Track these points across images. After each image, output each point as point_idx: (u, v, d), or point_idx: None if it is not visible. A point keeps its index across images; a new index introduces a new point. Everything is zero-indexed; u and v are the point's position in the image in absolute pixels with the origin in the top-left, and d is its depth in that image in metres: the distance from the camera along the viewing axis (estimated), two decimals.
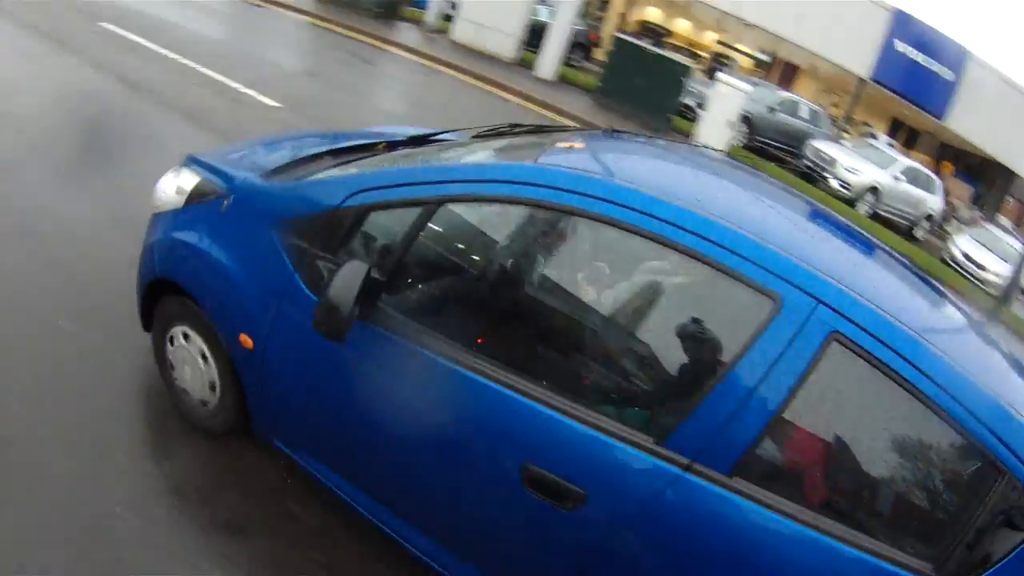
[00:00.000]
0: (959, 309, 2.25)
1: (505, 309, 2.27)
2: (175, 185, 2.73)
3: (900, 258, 2.44)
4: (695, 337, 1.94)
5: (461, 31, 15.03)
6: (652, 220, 1.83)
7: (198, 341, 2.61)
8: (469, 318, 2.27)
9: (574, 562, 1.91)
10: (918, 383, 1.64)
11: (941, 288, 2.38)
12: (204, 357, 2.62)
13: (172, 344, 2.74)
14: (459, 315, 2.29)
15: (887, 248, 2.48)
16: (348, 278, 1.90)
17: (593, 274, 2.20)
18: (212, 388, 2.64)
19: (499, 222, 2.45)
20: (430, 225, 2.10)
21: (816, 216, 2.44)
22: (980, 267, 14.56)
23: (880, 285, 2.01)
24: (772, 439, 1.77)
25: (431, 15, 15.94)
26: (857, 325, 1.68)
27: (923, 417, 1.65)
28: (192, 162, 2.74)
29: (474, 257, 2.49)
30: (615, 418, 1.82)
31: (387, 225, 2.23)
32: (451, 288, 2.35)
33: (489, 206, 2.28)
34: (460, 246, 2.42)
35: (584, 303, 2.20)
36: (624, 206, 1.86)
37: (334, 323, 1.90)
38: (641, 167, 2.36)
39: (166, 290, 2.70)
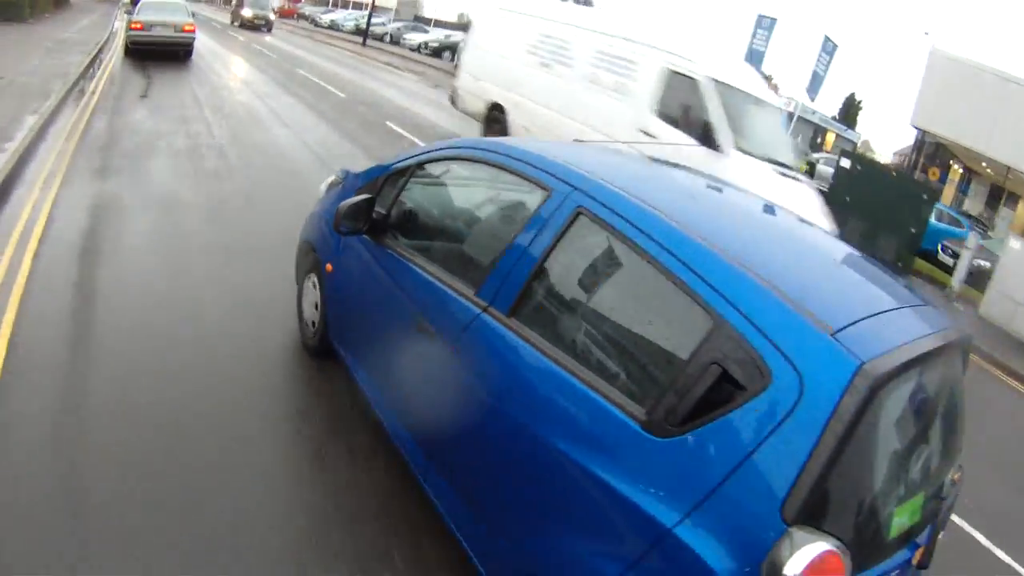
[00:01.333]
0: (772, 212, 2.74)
1: (438, 230, 3.21)
2: (326, 182, 4.22)
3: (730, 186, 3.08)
4: (499, 217, 2.91)
5: (994, 306, 9.94)
6: (496, 154, 2.81)
7: (314, 278, 3.85)
8: (425, 235, 3.16)
9: (435, 377, 2.62)
10: (641, 243, 2.03)
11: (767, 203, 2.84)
12: (315, 290, 3.82)
13: (304, 288, 4.03)
14: (422, 235, 3.17)
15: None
16: (354, 199, 3.12)
17: (472, 198, 3.33)
18: (315, 310, 3.82)
19: (457, 184, 3.42)
20: (413, 181, 3.22)
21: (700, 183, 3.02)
22: None
23: (658, 189, 2.60)
24: (535, 291, 2.32)
25: (957, 279, 11.02)
26: (598, 201, 2.23)
27: (650, 275, 2.00)
28: (340, 170, 4.09)
29: (437, 207, 3.41)
30: (458, 279, 2.61)
31: (404, 190, 3.25)
32: (423, 224, 3.23)
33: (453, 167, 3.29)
34: (434, 200, 3.39)
35: (463, 217, 3.25)
36: (487, 150, 2.88)
37: (337, 220, 3.04)
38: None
39: (309, 251, 4.00)
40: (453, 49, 30.85)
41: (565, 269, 2.36)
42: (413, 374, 2.79)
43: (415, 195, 3.28)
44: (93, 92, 10.83)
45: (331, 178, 4.22)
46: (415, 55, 32.27)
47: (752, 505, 1.60)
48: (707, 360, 1.76)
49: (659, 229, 2.05)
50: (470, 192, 3.39)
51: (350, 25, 44.12)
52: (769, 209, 2.75)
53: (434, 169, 3.31)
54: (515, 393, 2.21)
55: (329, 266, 3.61)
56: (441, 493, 2.54)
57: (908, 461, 1.87)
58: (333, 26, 45.07)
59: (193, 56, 17.15)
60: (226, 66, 17.77)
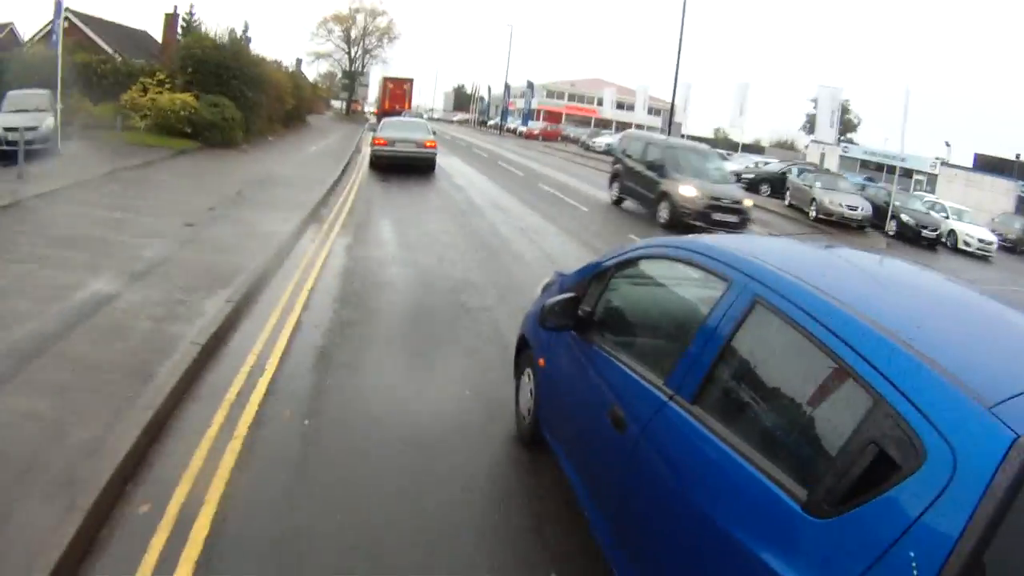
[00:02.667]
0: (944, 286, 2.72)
1: (636, 324, 3.57)
2: (543, 283, 4.77)
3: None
4: (688, 309, 3.10)
5: None
6: (682, 251, 3.10)
7: (529, 373, 4.32)
8: (624, 329, 3.51)
9: (624, 466, 2.74)
10: (808, 327, 2.12)
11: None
12: (529, 383, 4.29)
13: (520, 383, 4.53)
14: (622, 329, 3.50)
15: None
16: (559, 297, 3.57)
17: (666, 293, 3.54)
18: (529, 401, 4.25)
19: (654, 282, 3.64)
20: (615, 280, 3.57)
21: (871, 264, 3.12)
22: None
23: (826, 273, 2.61)
24: (716, 378, 2.46)
25: None
26: (772, 289, 2.36)
27: (816, 356, 2.07)
28: (555, 272, 4.75)
29: (635, 303, 3.73)
30: (650, 369, 2.84)
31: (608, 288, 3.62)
32: (623, 319, 3.61)
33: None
34: (633, 297, 3.70)
35: (658, 310, 3.54)
36: (676, 247, 3.18)
37: (543, 316, 3.46)
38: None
39: (525, 346, 4.49)
40: (772, 181, 25.78)
41: (742, 356, 2.46)
42: (607, 459, 2.93)
43: (616, 293, 3.59)
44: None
45: (547, 279, 4.75)
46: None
47: None
48: (865, 439, 1.78)
49: (822, 310, 2.13)
50: (664, 289, 3.53)
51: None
52: (939, 280, 2.77)
53: (633, 269, 3.57)
54: (696, 477, 2.30)
55: (541, 360, 4.00)
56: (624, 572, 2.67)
57: None
58: (610, 151, 41.14)
59: None
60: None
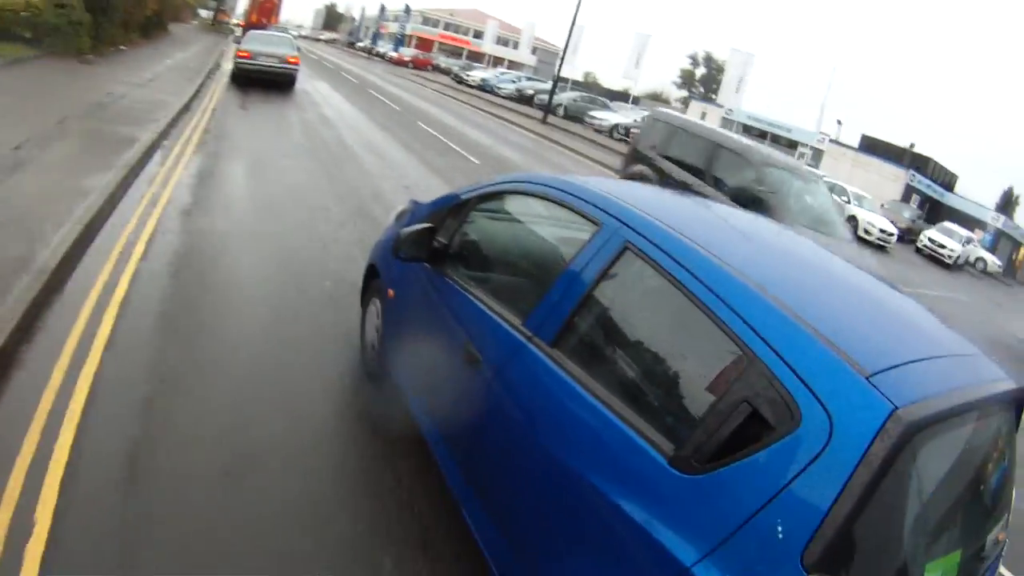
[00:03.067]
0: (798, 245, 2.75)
1: (495, 262, 3.38)
2: (396, 211, 4.54)
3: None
4: (552, 250, 2.98)
5: None
6: (552, 189, 2.90)
7: (377, 304, 4.04)
8: (482, 266, 3.31)
9: (477, 405, 2.65)
10: (681, 278, 2.04)
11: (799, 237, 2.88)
12: (377, 315, 4.02)
13: (367, 312, 4.26)
14: (479, 265, 3.30)
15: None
16: (415, 227, 3.30)
17: (528, 231, 3.40)
18: (376, 333, 4.00)
19: (515, 218, 3.49)
20: (474, 213, 3.36)
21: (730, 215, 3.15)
22: None
23: (696, 223, 2.57)
24: (578, 324, 2.37)
25: None
26: (645, 237, 2.26)
27: (688, 310, 1.99)
28: (410, 201, 4.45)
29: (495, 239, 3.54)
30: (508, 309, 2.70)
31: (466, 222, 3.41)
32: (481, 255, 3.40)
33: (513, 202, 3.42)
34: (492, 233, 3.51)
35: (519, 249, 3.38)
36: (544, 184, 2.97)
37: (397, 246, 3.23)
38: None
39: (373, 275, 4.23)
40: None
41: (609, 303, 2.40)
42: (458, 399, 2.85)
43: (475, 227, 3.42)
44: None
45: (401, 207, 4.50)
46: (611, 142, 25.46)
47: (772, 549, 1.55)
48: (738, 398, 1.74)
49: (699, 264, 2.05)
50: (527, 226, 3.42)
51: (509, 88, 37.44)
52: (821, 253, 2.70)
53: (496, 203, 3.41)
54: (552, 422, 2.25)
55: (391, 292, 3.80)
56: (476, 517, 2.59)
57: (945, 515, 1.74)
58: (485, 87, 38.87)
59: None
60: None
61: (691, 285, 2.01)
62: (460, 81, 42.03)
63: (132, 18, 23.07)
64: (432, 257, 3.31)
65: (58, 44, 16.08)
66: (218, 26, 56.30)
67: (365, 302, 4.40)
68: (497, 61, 67.14)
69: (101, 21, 18.69)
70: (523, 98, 35.04)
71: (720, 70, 61.38)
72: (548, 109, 28.33)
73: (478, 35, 71.00)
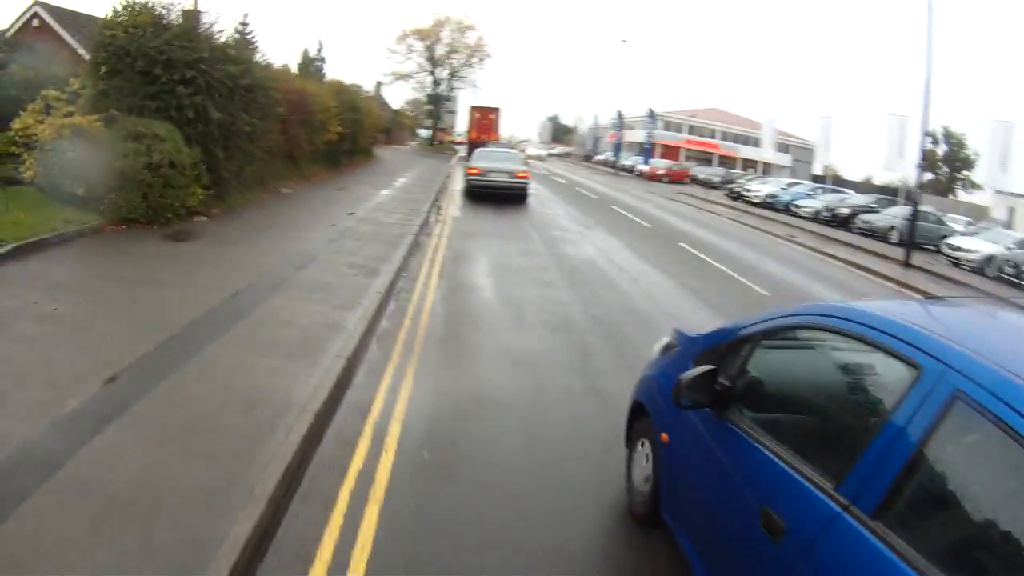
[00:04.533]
0: None
1: (789, 408, 3.01)
2: (661, 344, 4.38)
3: None
4: (861, 397, 2.72)
5: None
6: (853, 323, 2.60)
7: (647, 445, 3.90)
8: (773, 412, 2.98)
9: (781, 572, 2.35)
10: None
11: None
12: (647, 458, 3.88)
13: (634, 453, 4.11)
14: (769, 411, 2.98)
15: None
16: (696, 370, 3.09)
17: (826, 372, 3.03)
18: (646, 480, 3.87)
19: (810, 356, 3.24)
20: (760, 351, 3.15)
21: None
22: None
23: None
24: (904, 490, 2.05)
25: None
26: (978, 384, 1.94)
27: None
28: (673, 330, 4.27)
29: (787, 381, 3.21)
30: (813, 467, 2.42)
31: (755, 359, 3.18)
32: (771, 399, 3.04)
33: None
34: (784, 373, 3.22)
35: (818, 394, 2.97)
36: (843, 318, 2.67)
37: (677, 393, 3.00)
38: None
39: (640, 414, 4.11)
40: None
41: (940, 466, 2.09)
42: (755, 568, 2.58)
43: (763, 367, 3.14)
44: None
45: (665, 340, 4.33)
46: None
47: None
48: None
49: None
50: (824, 365, 3.09)
51: (811, 205, 29.16)
52: None
53: (785, 339, 3.19)
54: None
55: (665, 436, 3.59)
56: None
57: None
58: (775, 204, 31.41)
59: None
60: None
61: None
62: (736, 197, 35.16)
63: (300, 145, 16.50)
64: (715, 403, 3.07)
65: (136, 204, 9.86)
66: (438, 146, 53.09)
67: (631, 442, 4.27)
68: (747, 164, 58.18)
69: (230, 155, 12.28)
70: (835, 220, 26.76)
71: (961, 145, 56.65)
72: (911, 243, 18.57)
73: (724, 137, 62.34)
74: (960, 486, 2.03)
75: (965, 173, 57.46)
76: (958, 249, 20.35)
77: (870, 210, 25.91)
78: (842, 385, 2.87)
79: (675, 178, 46.05)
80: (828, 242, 20.92)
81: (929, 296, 10.80)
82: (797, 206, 29.61)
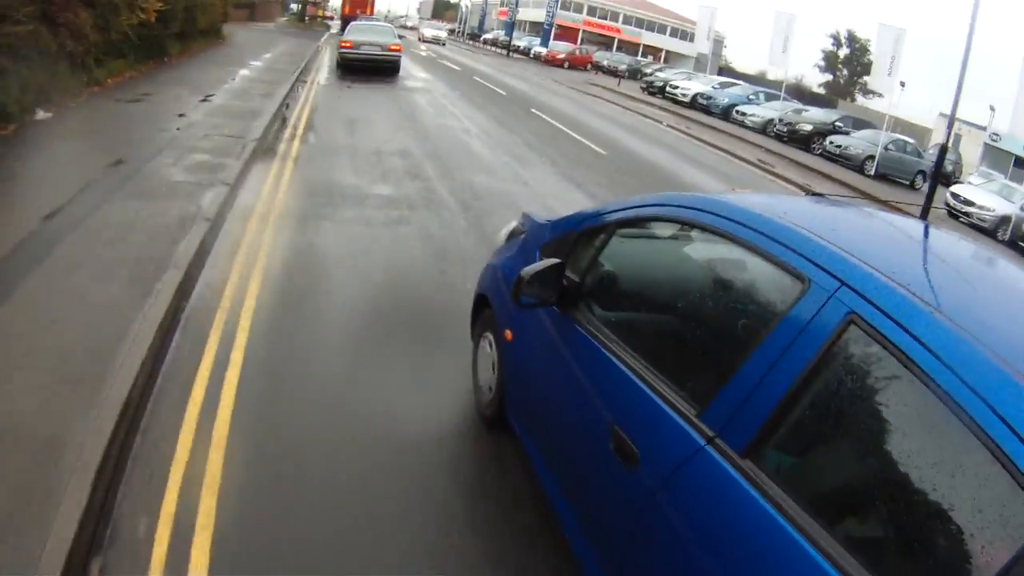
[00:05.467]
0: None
1: (645, 312, 2.79)
2: (507, 229, 4.02)
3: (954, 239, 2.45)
4: (731, 308, 2.31)
5: None
6: (728, 221, 2.21)
7: (491, 339, 3.59)
8: (627, 315, 2.73)
9: (633, 515, 2.10)
10: (936, 377, 1.47)
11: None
12: (491, 352, 3.57)
13: (479, 348, 3.80)
14: (622, 313, 2.72)
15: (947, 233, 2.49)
16: (540, 264, 2.75)
17: (691, 273, 2.71)
18: (490, 380, 3.58)
19: (659, 244, 2.98)
20: (615, 242, 2.78)
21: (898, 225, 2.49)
22: None
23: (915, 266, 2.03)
24: (783, 428, 1.76)
25: None
26: (879, 308, 1.64)
27: (952, 424, 1.42)
28: (522, 215, 3.87)
29: (645, 281, 2.94)
30: (671, 387, 2.11)
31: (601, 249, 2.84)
32: (625, 300, 2.82)
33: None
34: (641, 272, 2.93)
35: (680, 299, 2.61)
36: (716, 214, 2.28)
37: (516, 290, 2.67)
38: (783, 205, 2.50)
39: (484, 305, 3.76)
40: None
41: (826, 401, 1.75)
42: (605, 498, 2.33)
43: (619, 261, 2.85)
44: None
45: (512, 224, 4.00)
46: None
47: None
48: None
49: (950, 349, 1.49)
50: (690, 265, 2.74)
51: (757, 116, 25.24)
52: None
53: (645, 231, 2.91)
54: (741, 563, 1.71)
55: (508, 333, 3.34)
56: None
57: None
58: (711, 108, 27.36)
59: None
60: None
61: (950, 385, 1.44)
62: (654, 93, 31.32)
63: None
64: (562, 300, 2.77)
65: None
66: (308, 23, 46.64)
67: (476, 335, 3.97)
68: (647, 50, 55.78)
69: None
70: (791, 137, 23.32)
71: (864, 50, 56.05)
72: (936, 183, 15.29)
73: (627, 21, 58.67)
74: (849, 425, 1.73)
75: (865, 78, 58.71)
76: (969, 203, 16.89)
77: (835, 130, 22.55)
78: (709, 291, 2.51)
79: (576, 63, 42.87)
80: (805, 172, 17.85)
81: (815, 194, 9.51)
82: (741, 113, 25.61)
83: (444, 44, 45.36)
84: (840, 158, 20.77)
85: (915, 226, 2.59)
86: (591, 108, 22.20)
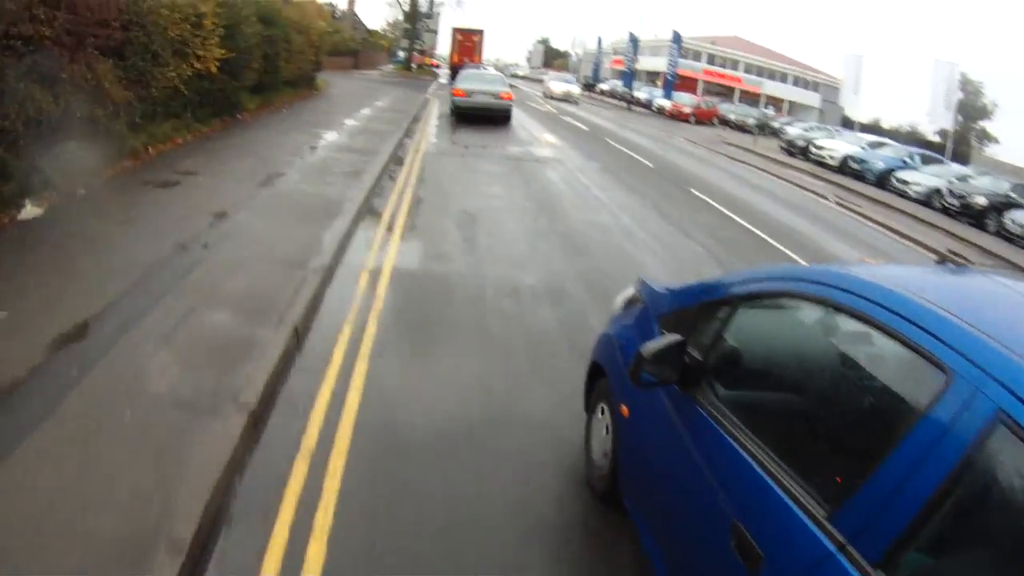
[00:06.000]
0: None
1: (774, 397, 2.51)
2: (624, 296, 3.87)
3: None
4: (871, 400, 2.11)
5: None
6: (863, 301, 2.00)
7: (606, 414, 3.43)
8: (754, 398, 2.50)
9: None
10: None
11: None
12: (606, 428, 3.41)
13: (592, 421, 3.66)
14: (749, 396, 2.51)
15: None
16: (661, 341, 2.55)
17: (824, 357, 2.41)
18: (605, 456, 3.43)
19: (789, 322, 2.65)
20: (740, 317, 2.59)
21: None
22: None
23: None
24: (923, 533, 1.59)
25: None
26: None
27: None
28: (638, 281, 3.69)
29: (765, 353, 2.67)
30: (800, 482, 1.93)
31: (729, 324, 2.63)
32: (752, 380, 2.57)
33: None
34: (771, 352, 2.67)
35: (813, 386, 2.39)
36: (850, 291, 2.07)
37: (636, 368, 2.50)
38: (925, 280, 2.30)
39: (599, 375, 3.62)
40: None
41: (968, 506, 1.59)
42: None
43: (742, 339, 2.61)
44: None
45: (629, 291, 3.85)
46: None
47: None
48: None
49: None
50: (821, 345, 2.45)
51: (920, 185, 20.95)
52: None
53: (773, 306, 2.63)
54: None
55: (624, 409, 3.15)
56: None
57: None
58: (855, 172, 23.56)
59: None
60: None
61: None
62: (794, 154, 27.59)
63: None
64: (684, 379, 2.60)
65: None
66: (415, 71, 44.87)
67: (590, 406, 3.83)
68: (770, 100, 52.12)
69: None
70: (966, 212, 18.79)
71: (978, 93, 53.56)
72: None
73: (748, 70, 54.98)
74: (995, 535, 1.57)
75: (981, 123, 52.39)
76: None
77: (1009, 202, 17.83)
78: (841, 378, 2.29)
79: (702, 118, 39.02)
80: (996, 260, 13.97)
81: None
82: (903, 181, 21.37)
83: (578, 103, 39.00)
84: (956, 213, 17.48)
85: None
86: (747, 180, 18.19)
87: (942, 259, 10.17)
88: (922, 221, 17.27)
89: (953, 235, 16.26)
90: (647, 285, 3.48)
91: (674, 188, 14.53)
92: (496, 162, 14.06)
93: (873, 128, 43.58)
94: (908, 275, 2.35)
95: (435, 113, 22.09)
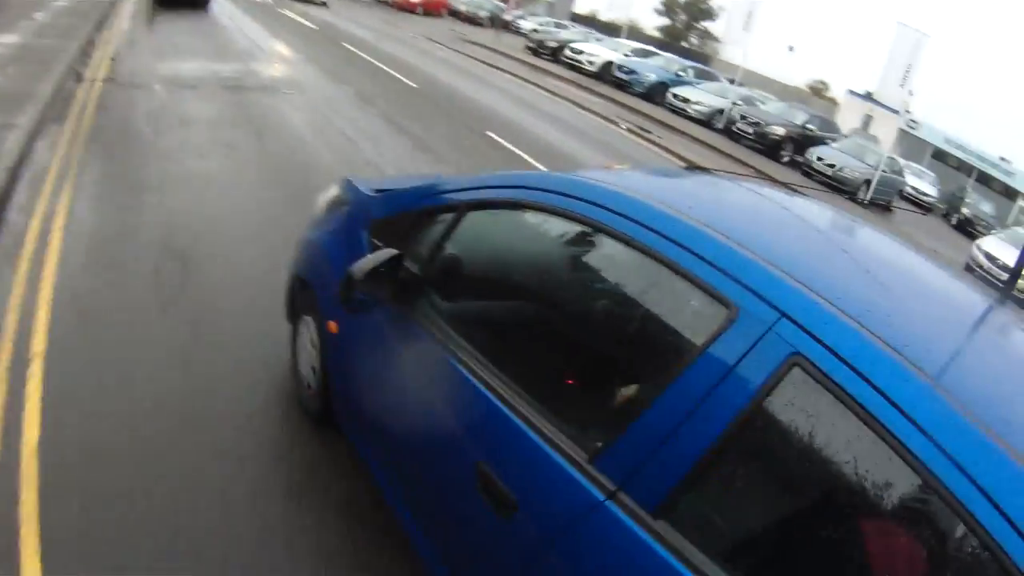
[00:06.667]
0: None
1: (507, 316, 2.30)
2: (327, 196, 3.36)
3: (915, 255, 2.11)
4: (629, 324, 1.91)
5: None
6: (623, 219, 1.76)
7: (312, 329, 3.04)
8: (478, 322, 2.27)
9: (513, 567, 1.77)
10: (892, 427, 1.24)
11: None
12: (312, 343, 3.03)
13: (298, 332, 3.26)
14: (470, 315, 2.30)
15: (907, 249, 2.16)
16: (374, 257, 2.21)
17: (578, 279, 2.23)
18: (314, 371, 3.05)
19: (524, 233, 2.40)
20: (465, 225, 2.27)
21: (831, 228, 2.22)
22: None
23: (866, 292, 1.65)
24: (705, 485, 1.47)
25: None
26: (828, 348, 1.34)
27: (886, 458, 1.24)
28: (343, 180, 3.23)
29: (496, 267, 2.48)
30: (550, 419, 1.73)
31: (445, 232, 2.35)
32: (471, 290, 2.39)
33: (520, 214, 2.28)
34: (488, 254, 2.45)
35: (568, 307, 2.22)
36: (594, 203, 1.84)
37: (345, 290, 2.19)
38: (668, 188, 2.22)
39: (303, 287, 3.16)
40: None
41: (764, 451, 1.48)
42: (473, 535, 1.92)
43: (468, 249, 2.33)
44: None
45: (332, 191, 3.33)
46: None
47: None
48: None
49: (902, 394, 1.25)
50: (569, 253, 2.21)
51: (703, 105, 20.08)
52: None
53: (504, 216, 2.30)
54: None
55: (332, 325, 2.77)
56: None
57: None
58: (621, 82, 21.99)
59: None
60: None
61: (908, 438, 1.21)
62: (539, 52, 25.79)
63: None
64: (400, 295, 2.29)
65: None
66: None
67: (294, 315, 3.37)
68: None
69: None
70: (761, 143, 18.17)
71: None
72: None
73: None
74: (788, 485, 1.47)
75: (704, 24, 55.71)
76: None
77: (808, 134, 18.08)
78: (591, 294, 2.09)
79: (430, 8, 37.13)
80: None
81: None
82: (683, 99, 19.92)
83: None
84: (829, 181, 16.36)
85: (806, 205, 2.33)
86: (532, 105, 16.09)
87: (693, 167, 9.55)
88: (727, 155, 16.05)
89: (763, 172, 15.20)
90: (354, 185, 3.10)
91: (464, 130, 11.63)
92: (209, 96, 9.84)
93: (589, 20, 43.22)
94: (661, 183, 2.20)
95: (127, 13, 16.73)
